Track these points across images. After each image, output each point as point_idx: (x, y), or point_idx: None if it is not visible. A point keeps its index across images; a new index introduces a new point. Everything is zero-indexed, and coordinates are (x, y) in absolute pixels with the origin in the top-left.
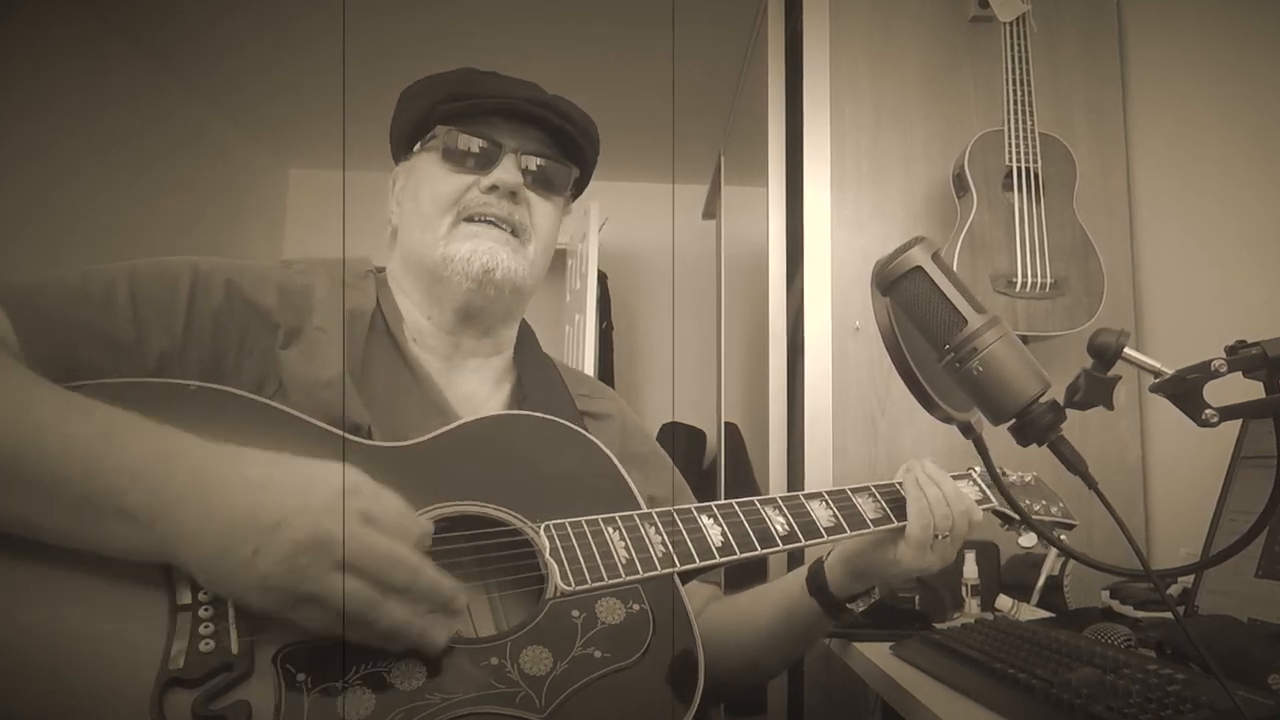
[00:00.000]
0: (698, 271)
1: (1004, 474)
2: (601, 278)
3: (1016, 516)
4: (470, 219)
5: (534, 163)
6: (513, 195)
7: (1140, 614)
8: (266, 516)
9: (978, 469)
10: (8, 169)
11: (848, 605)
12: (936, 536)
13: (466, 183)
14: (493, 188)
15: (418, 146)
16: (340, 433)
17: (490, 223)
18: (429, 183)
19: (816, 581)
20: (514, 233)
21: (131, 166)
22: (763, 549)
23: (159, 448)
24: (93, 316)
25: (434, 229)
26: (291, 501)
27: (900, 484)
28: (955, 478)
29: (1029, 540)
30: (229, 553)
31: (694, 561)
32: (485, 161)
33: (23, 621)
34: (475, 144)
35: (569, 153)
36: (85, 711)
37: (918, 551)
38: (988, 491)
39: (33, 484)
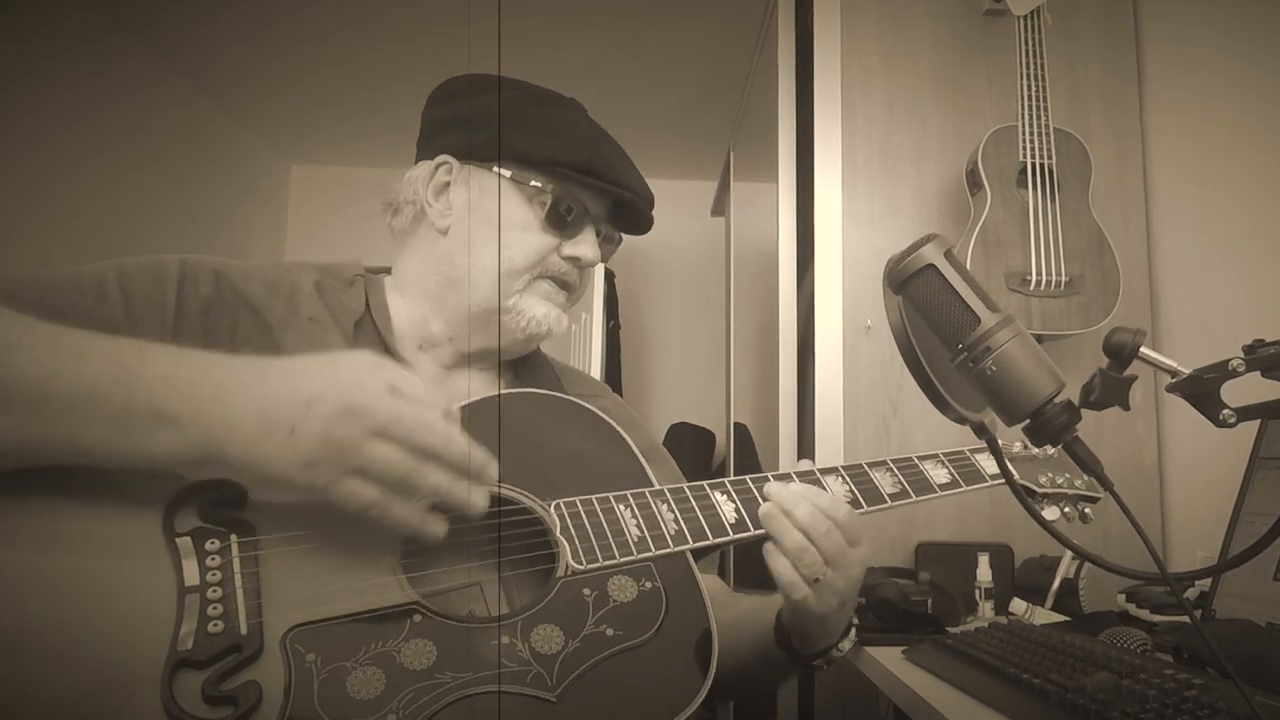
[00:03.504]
0: (706, 269)
1: (1026, 447)
2: (609, 276)
3: (1038, 490)
4: (546, 278)
5: (609, 237)
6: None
7: (1157, 618)
8: (299, 396)
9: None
10: (5, 164)
11: (814, 663)
12: (817, 581)
13: (553, 244)
14: (575, 259)
15: (508, 173)
16: None
17: (562, 288)
18: (518, 229)
19: (783, 640)
20: (570, 295)
21: (131, 162)
22: None
23: (187, 358)
24: (87, 304)
25: (511, 279)
26: (321, 380)
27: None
28: (975, 451)
29: (1051, 514)
30: (268, 436)
31: (706, 538)
32: (573, 226)
33: (32, 607)
34: (574, 211)
35: (631, 228)
36: (96, 694)
37: (802, 595)
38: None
39: (74, 404)
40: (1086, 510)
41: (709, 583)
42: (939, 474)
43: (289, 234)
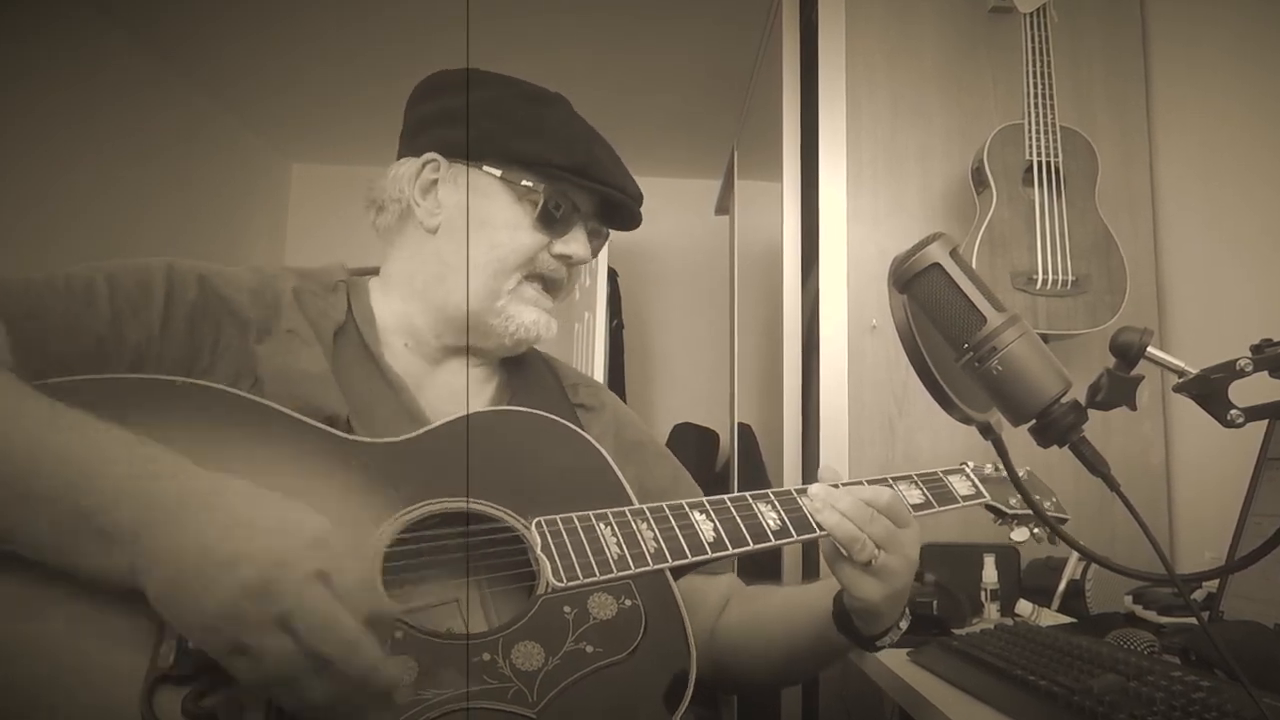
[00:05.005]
0: (710, 268)
1: (995, 469)
2: (611, 275)
3: (1008, 511)
4: (535, 278)
5: (596, 232)
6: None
7: (1164, 619)
8: (223, 554)
9: (970, 464)
10: (5, 164)
11: (877, 643)
12: (869, 563)
13: (543, 242)
14: (565, 257)
15: (498, 172)
16: (327, 429)
17: (550, 287)
18: (508, 229)
19: (844, 624)
20: (556, 295)
21: (131, 161)
22: (755, 544)
23: (148, 468)
24: (75, 309)
25: (502, 279)
26: (253, 543)
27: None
28: (948, 472)
29: (1020, 535)
30: (180, 585)
31: (685, 556)
32: (563, 225)
33: (9, 621)
34: (564, 210)
35: (619, 225)
36: (75, 712)
37: (860, 585)
38: (980, 486)
39: (21, 496)
40: None
41: (722, 585)
42: (912, 495)
43: (289, 233)
